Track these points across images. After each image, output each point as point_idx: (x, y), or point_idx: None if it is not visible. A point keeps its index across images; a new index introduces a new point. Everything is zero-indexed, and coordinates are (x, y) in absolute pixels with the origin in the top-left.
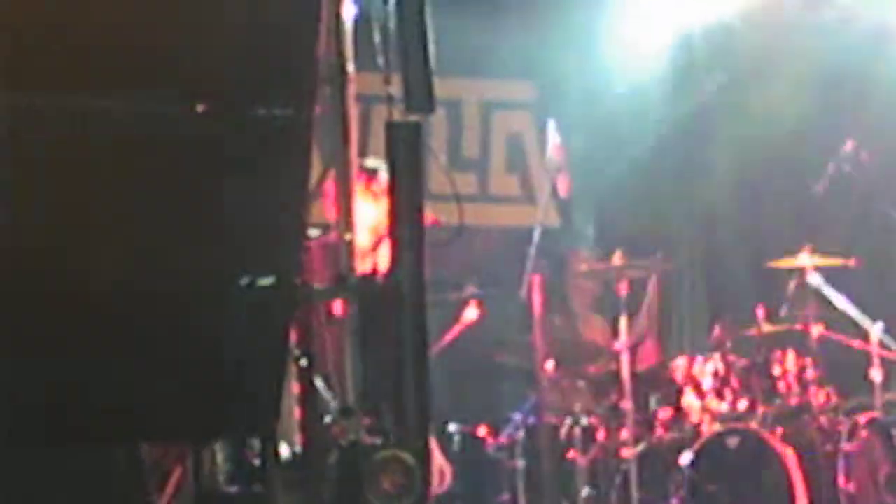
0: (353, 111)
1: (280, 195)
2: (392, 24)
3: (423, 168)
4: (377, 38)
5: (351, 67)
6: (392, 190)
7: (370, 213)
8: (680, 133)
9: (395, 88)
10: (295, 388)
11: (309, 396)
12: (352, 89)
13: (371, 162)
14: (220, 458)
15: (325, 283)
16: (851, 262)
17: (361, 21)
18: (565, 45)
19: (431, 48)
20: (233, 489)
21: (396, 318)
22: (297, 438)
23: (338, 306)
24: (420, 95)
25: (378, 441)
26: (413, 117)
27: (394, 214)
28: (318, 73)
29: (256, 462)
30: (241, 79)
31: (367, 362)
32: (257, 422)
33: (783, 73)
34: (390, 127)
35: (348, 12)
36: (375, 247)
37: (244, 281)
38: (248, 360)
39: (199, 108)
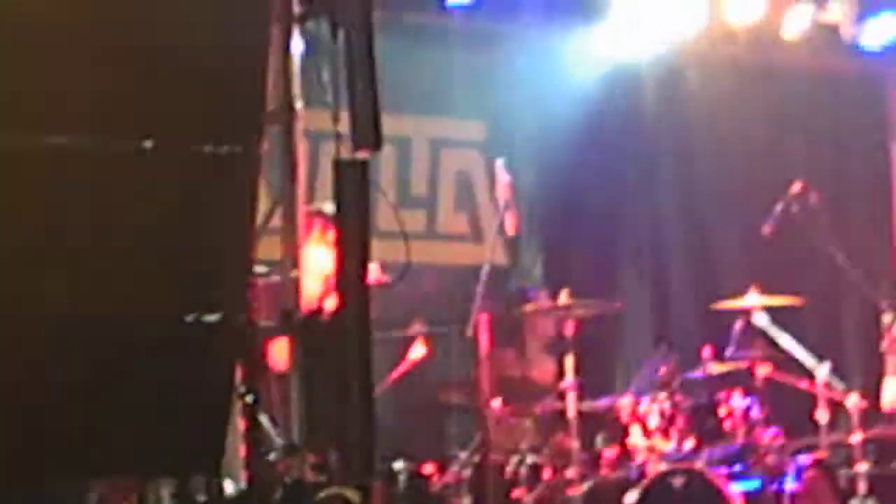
0: (301, 148)
1: (226, 232)
2: (340, 62)
3: (369, 205)
4: (326, 75)
5: (299, 104)
6: (338, 227)
7: (324, 260)
8: (628, 173)
9: (344, 125)
10: (240, 424)
11: (254, 433)
12: (299, 126)
13: (329, 207)
14: (165, 493)
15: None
16: (798, 302)
17: (310, 58)
18: (515, 85)
19: (380, 86)
20: None
21: (341, 356)
22: (242, 475)
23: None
24: (367, 132)
25: (323, 478)
26: (361, 154)
27: (340, 252)
28: (265, 110)
29: (201, 498)
30: (189, 116)
31: (312, 400)
32: (202, 458)
33: (732, 114)
34: (337, 164)
35: (296, 49)
36: (324, 295)
37: (190, 318)
38: (193, 397)
39: (147, 144)
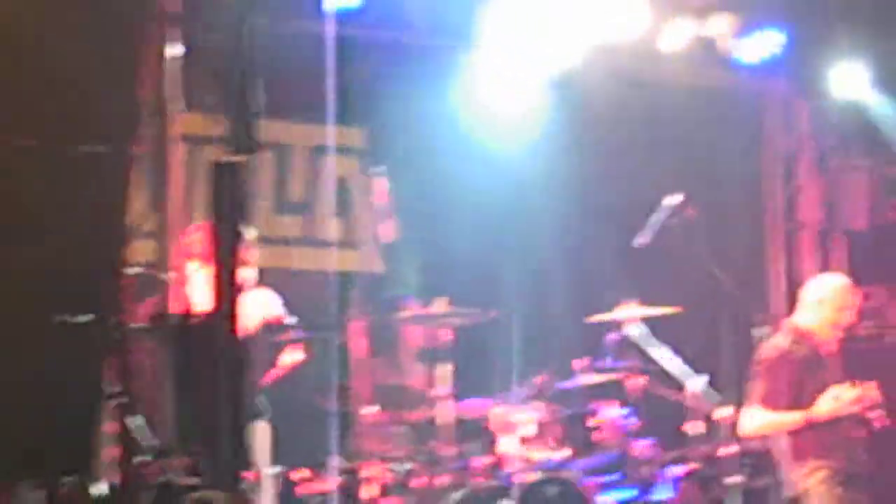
0: (178, 150)
1: (98, 232)
2: (220, 66)
3: (244, 210)
4: (205, 79)
5: (175, 107)
6: (213, 230)
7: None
8: (507, 183)
9: (223, 130)
10: (111, 426)
11: (125, 436)
12: (176, 129)
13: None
14: (36, 495)
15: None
16: (673, 313)
17: (191, 62)
18: (396, 93)
19: (259, 92)
20: None
21: (213, 359)
22: (113, 477)
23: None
24: (243, 137)
25: (193, 481)
26: (237, 158)
27: (214, 255)
28: (139, 112)
29: (70, 501)
30: (61, 117)
31: (184, 402)
32: (71, 460)
33: (611, 126)
34: (214, 168)
35: (175, 52)
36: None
37: (60, 319)
38: (63, 399)
39: (19, 142)
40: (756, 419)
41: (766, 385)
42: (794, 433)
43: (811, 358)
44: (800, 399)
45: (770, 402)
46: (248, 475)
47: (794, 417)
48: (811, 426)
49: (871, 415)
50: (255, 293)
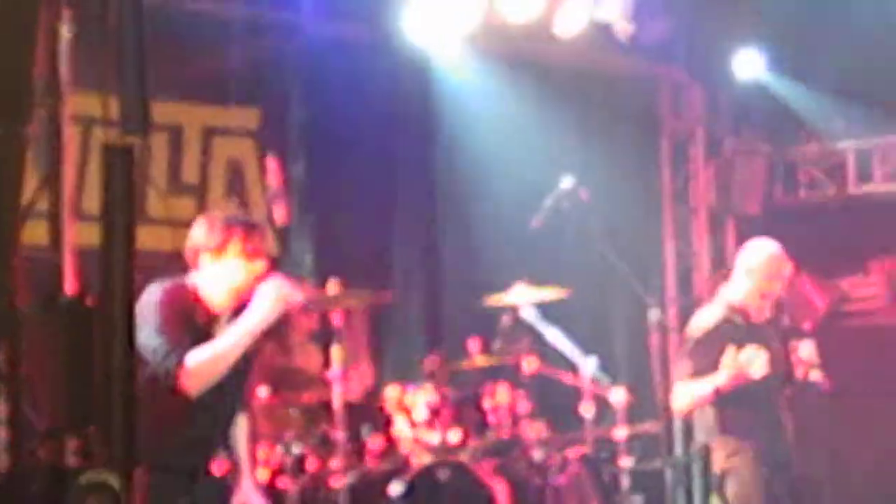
0: (70, 131)
1: None
2: (112, 46)
3: (136, 191)
4: (97, 59)
5: (67, 87)
6: (104, 213)
7: (236, 272)
8: (402, 165)
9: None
10: (2, 409)
11: (16, 418)
12: (68, 109)
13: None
14: None
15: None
16: (565, 296)
17: (82, 41)
18: (291, 74)
19: (151, 72)
20: None
21: (105, 341)
22: (3, 460)
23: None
24: (136, 117)
25: (85, 463)
26: (129, 140)
27: (106, 237)
28: (33, 92)
29: None
30: None
31: (76, 385)
32: None
33: (507, 109)
34: (106, 149)
35: (67, 32)
36: (235, 313)
37: None
38: None
39: None
40: (683, 395)
41: (695, 361)
42: (720, 410)
43: (743, 331)
44: None
45: (699, 378)
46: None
47: (703, 386)
48: (720, 395)
49: (814, 377)
50: None
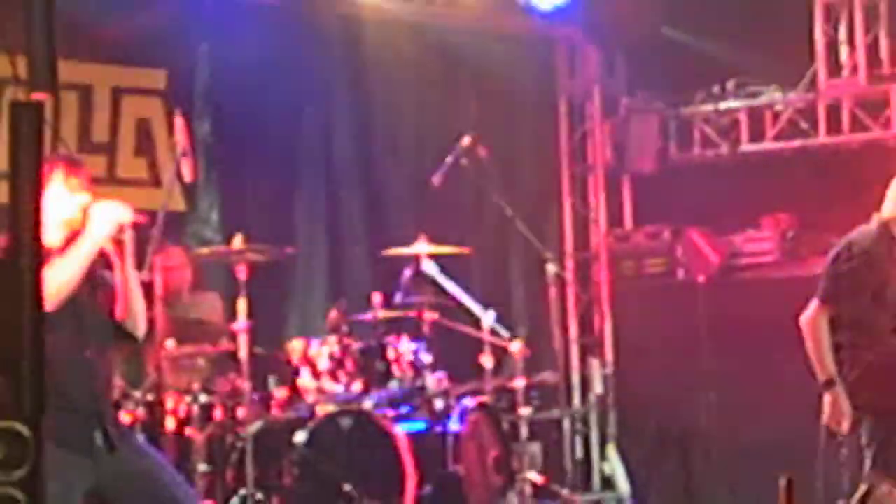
0: None
1: None
2: (20, 7)
3: (44, 147)
4: (4, 20)
5: None
6: (13, 169)
7: (66, 205)
8: (305, 123)
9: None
10: None
11: None
12: None
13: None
14: None
15: None
16: (465, 251)
17: None
18: (196, 36)
19: (61, 33)
20: None
21: (13, 294)
22: None
23: None
24: (43, 75)
25: None
26: (37, 97)
27: (14, 193)
28: None
29: None
30: None
31: None
32: None
33: (408, 70)
34: (13, 106)
35: None
36: (67, 243)
37: None
38: None
39: None
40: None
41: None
42: None
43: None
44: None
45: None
46: None
47: None
48: None
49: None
50: None
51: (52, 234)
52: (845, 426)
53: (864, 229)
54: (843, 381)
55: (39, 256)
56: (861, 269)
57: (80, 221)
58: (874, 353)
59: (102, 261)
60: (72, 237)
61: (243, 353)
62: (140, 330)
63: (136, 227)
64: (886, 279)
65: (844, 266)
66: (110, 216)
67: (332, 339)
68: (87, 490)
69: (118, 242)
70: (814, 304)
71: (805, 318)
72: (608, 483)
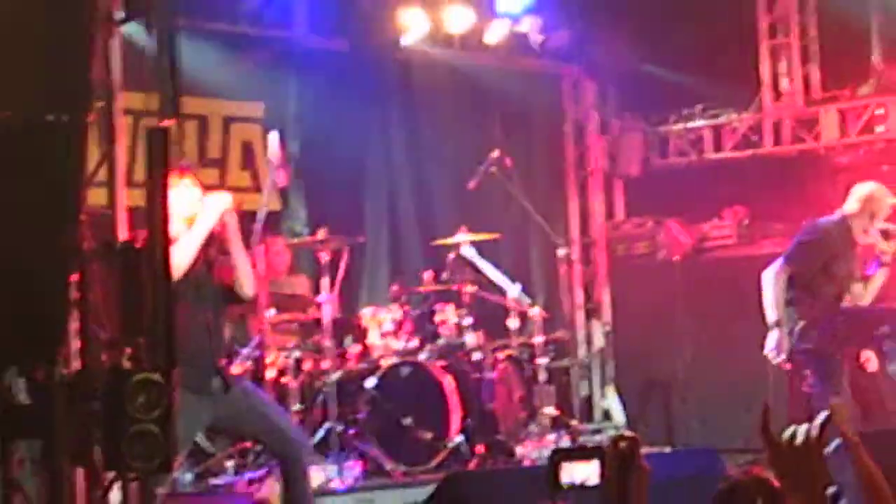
0: (122, 120)
1: (64, 181)
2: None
3: (171, 163)
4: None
5: (118, 87)
6: (148, 180)
7: (186, 203)
8: (371, 141)
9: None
10: (74, 325)
11: (85, 332)
12: (119, 104)
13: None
14: (15, 378)
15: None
16: (495, 238)
17: (131, 52)
18: (287, 75)
19: (183, 75)
20: (26, 402)
21: (150, 275)
22: (76, 364)
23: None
24: (171, 108)
25: (136, 366)
26: (166, 124)
27: (149, 197)
28: (92, 90)
29: (45, 383)
30: (32, 92)
31: (128, 306)
32: (46, 350)
33: (448, 98)
34: (149, 132)
35: (117, 44)
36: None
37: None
38: (40, 305)
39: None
40: None
41: None
42: None
43: None
44: None
45: None
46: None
47: None
48: None
49: None
50: None
51: (177, 226)
52: (781, 358)
53: (830, 217)
54: (794, 327)
55: (167, 247)
56: (818, 244)
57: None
58: (817, 310)
59: (218, 244)
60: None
61: (326, 319)
62: (247, 290)
63: (237, 211)
64: (835, 256)
65: (806, 238)
66: (215, 204)
67: (394, 307)
68: (208, 424)
69: (223, 224)
70: (779, 261)
71: (768, 271)
72: (607, 416)
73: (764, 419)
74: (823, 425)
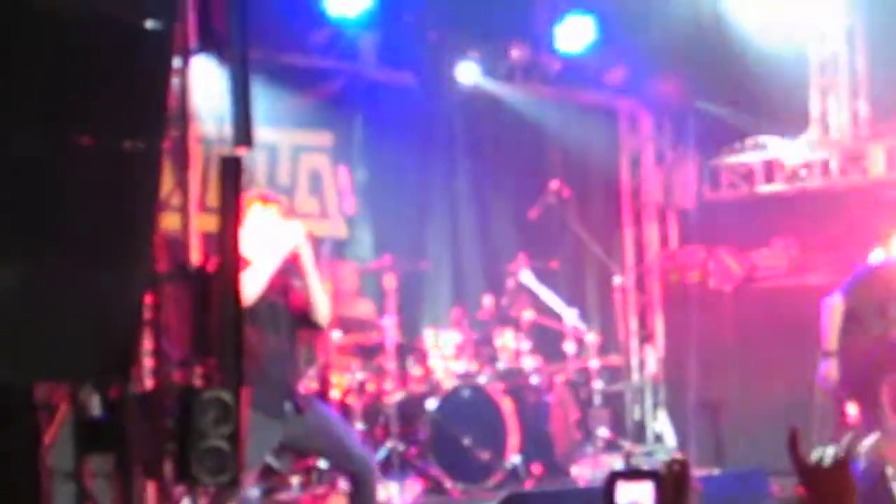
0: (196, 147)
1: (139, 205)
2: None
3: (243, 189)
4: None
5: (192, 115)
6: (221, 206)
7: (266, 230)
8: (435, 171)
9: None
10: (147, 344)
11: (158, 350)
12: (194, 131)
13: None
14: (91, 396)
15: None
16: (553, 266)
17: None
18: (355, 107)
19: (254, 105)
20: (100, 418)
21: (221, 297)
22: (149, 381)
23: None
24: (243, 136)
25: (207, 385)
26: (238, 152)
27: (222, 224)
28: (167, 118)
29: (119, 400)
30: (114, 118)
31: (200, 327)
32: (120, 367)
33: (510, 130)
34: (222, 160)
35: (192, 74)
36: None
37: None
38: (114, 324)
39: (84, 140)
40: None
41: None
42: None
43: None
44: None
45: None
46: None
47: None
48: None
49: None
50: None
51: (256, 253)
52: (830, 385)
53: (882, 260)
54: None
55: (237, 271)
56: (869, 284)
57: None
58: (864, 343)
59: (294, 272)
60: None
61: (389, 342)
62: (322, 319)
63: (310, 240)
64: (889, 299)
65: (860, 276)
66: (290, 233)
67: (455, 331)
68: (278, 444)
69: (297, 253)
70: (836, 292)
71: (827, 299)
72: (659, 438)
73: (791, 441)
74: (851, 446)
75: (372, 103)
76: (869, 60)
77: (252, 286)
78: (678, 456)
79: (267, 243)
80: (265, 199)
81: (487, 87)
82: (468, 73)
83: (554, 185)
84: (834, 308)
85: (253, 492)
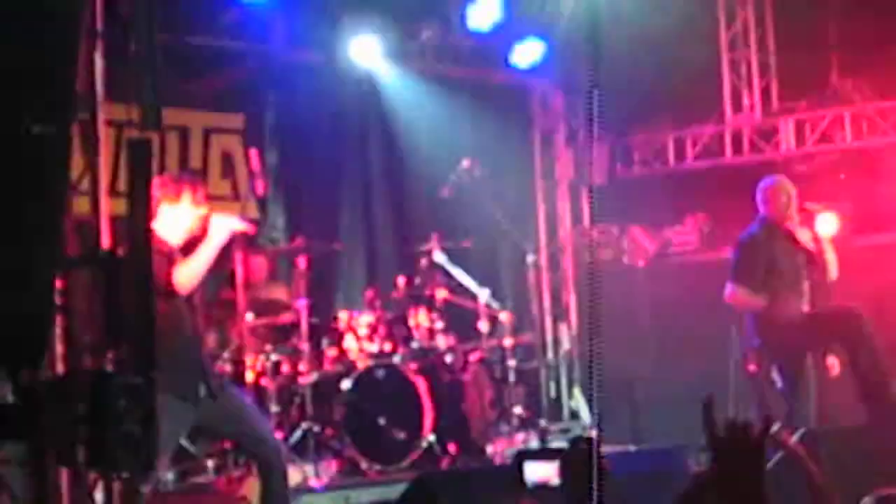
0: (105, 131)
1: (49, 191)
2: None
3: (152, 174)
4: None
5: (101, 99)
6: (129, 188)
7: (189, 216)
8: (347, 152)
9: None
10: (59, 330)
11: (69, 336)
12: (102, 115)
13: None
14: (2, 383)
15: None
16: (466, 245)
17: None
18: (266, 88)
19: (164, 86)
20: (12, 404)
21: (131, 282)
22: (60, 367)
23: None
24: (151, 119)
25: (119, 370)
26: (147, 135)
27: (131, 208)
28: (76, 102)
29: (29, 385)
30: (21, 105)
31: (111, 312)
32: (31, 353)
33: (422, 110)
34: (130, 143)
35: (99, 57)
36: (186, 244)
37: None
38: (25, 307)
39: None
40: None
41: None
42: None
43: None
44: None
45: None
46: None
47: None
48: None
49: None
50: None
51: (176, 238)
52: None
53: (751, 226)
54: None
55: (149, 255)
56: (750, 252)
57: (198, 227)
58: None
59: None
60: (191, 240)
61: (303, 323)
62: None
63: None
64: (773, 256)
65: (739, 253)
66: (227, 226)
67: (369, 311)
68: (191, 427)
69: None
70: (728, 286)
71: (727, 298)
72: (575, 415)
73: (706, 410)
74: (766, 421)
75: (282, 84)
76: (778, 36)
77: (187, 280)
78: (586, 434)
79: (194, 232)
80: (193, 185)
81: (395, 67)
82: (366, 51)
83: (466, 163)
84: (735, 298)
85: (168, 476)
